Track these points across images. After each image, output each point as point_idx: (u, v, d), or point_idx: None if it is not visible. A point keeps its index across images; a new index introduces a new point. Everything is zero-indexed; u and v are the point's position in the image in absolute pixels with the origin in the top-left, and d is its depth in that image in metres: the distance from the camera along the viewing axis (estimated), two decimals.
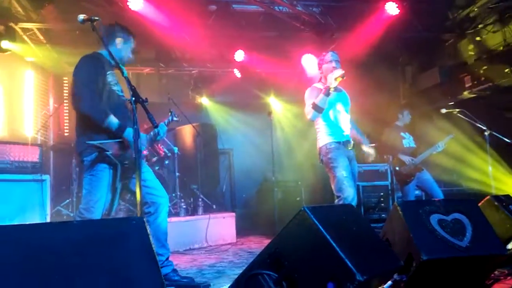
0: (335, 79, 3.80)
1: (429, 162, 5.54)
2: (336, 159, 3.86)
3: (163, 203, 3.20)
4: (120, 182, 2.97)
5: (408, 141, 5.54)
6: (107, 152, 2.87)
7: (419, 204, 3.07)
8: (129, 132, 2.91)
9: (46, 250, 1.54)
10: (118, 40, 3.21)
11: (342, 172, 3.82)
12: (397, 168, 5.45)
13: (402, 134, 5.57)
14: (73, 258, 1.56)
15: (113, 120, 2.92)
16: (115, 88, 3.11)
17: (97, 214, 2.90)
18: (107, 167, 2.93)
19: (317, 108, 3.83)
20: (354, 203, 3.75)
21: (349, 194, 3.77)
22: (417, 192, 5.66)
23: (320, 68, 4.10)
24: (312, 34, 6.76)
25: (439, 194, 5.25)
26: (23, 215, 4.16)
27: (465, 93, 6.59)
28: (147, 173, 3.22)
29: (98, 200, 2.91)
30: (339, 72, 3.81)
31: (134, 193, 3.04)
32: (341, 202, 3.77)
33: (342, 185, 3.79)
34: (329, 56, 4.05)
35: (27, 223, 1.75)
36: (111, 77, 3.10)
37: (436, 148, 5.33)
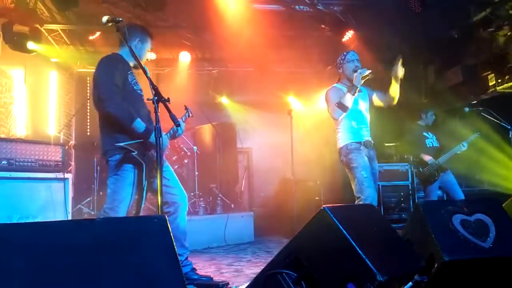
0: (362, 77, 3.80)
1: (452, 162, 5.44)
2: (356, 159, 3.84)
3: (182, 203, 3.23)
4: (145, 181, 3.00)
5: (431, 140, 5.45)
6: (133, 153, 2.90)
7: (442, 204, 3.03)
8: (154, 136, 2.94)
9: (69, 247, 1.56)
10: (137, 41, 3.25)
11: (362, 172, 3.80)
12: (420, 169, 5.37)
13: (425, 133, 5.48)
14: (95, 255, 1.58)
15: (141, 123, 2.96)
16: (136, 87, 3.15)
17: (122, 213, 2.93)
18: (132, 167, 2.96)
19: (342, 107, 3.82)
20: (374, 203, 3.73)
21: (369, 194, 3.75)
22: (438, 192, 5.57)
23: (340, 67, 4.08)
24: (332, 34, 6.72)
25: (460, 197, 5.16)
26: (45, 213, 4.23)
27: (489, 91, 6.46)
28: (168, 172, 3.26)
29: (123, 200, 2.94)
30: (367, 71, 3.81)
31: (156, 192, 3.09)
32: (361, 203, 3.74)
33: (362, 185, 3.77)
34: (350, 55, 4.04)
35: (50, 220, 1.79)
36: (131, 76, 3.14)
37: (460, 148, 5.23)
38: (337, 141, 4.03)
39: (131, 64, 3.21)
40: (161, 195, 2.53)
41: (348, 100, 3.81)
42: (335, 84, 4.09)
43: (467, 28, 6.64)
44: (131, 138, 2.95)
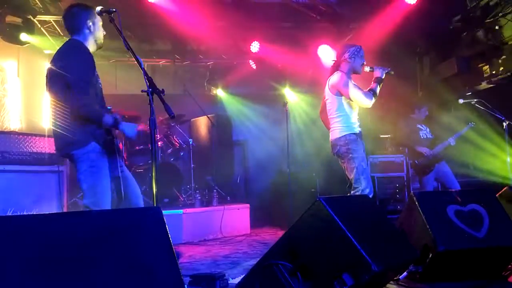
0: (385, 73, 4.00)
1: (446, 153, 5.47)
2: (356, 150, 3.87)
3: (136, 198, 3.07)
4: (118, 169, 2.91)
5: (425, 132, 5.49)
6: (100, 142, 2.82)
7: (436, 195, 3.06)
8: (124, 124, 2.86)
9: (64, 239, 1.56)
10: (89, 23, 3.00)
11: (362, 163, 3.85)
12: (415, 161, 5.40)
13: (418, 125, 5.51)
14: (90, 247, 1.58)
15: (108, 116, 2.81)
16: (99, 80, 3.02)
17: (106, 206, 2.80)
18: (103, 158, 2.84)
19: (376, 97, 3.90)
20: (371, 195, 3.79)
21: (367, 185, 3.80)
22: (434, 183, 5.60)
23: (353, 58, 4.03)
24: (328, 25, 6.69)
25: (456, 187, 5.21)
26: (40, 206, 4.22)
27: (483, 83, 6.48)
28: (125, 169, 3.11)
29: (105, 192, 2.82)
30: (389, 70, 4.03)
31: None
32: (358, 193, 3.77)
33: (362, 175, 3.81)
34: (362, 51, 4.10)
35: (45, 213, 1.79)
36: (96, 70, 2.97)
37: (454, 138, 5.28)
38: (332, 131, 4.03)
39: (91, 49, 2.98)
40: (156, 186, 2.52)
41: (378, 91, 3.90)
42: (345, 73, 4.03)
43: (462, 19, 6.64)
44: (98, 128, 2.82)
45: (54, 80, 2.85)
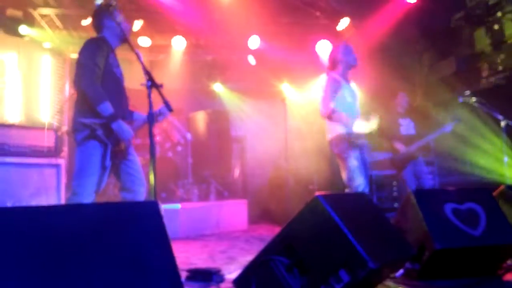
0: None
1: (444, 151, 5.47)
2: (347, 149, 3.87)
3: (139, 192, 3.20)
4: (110, 162, 3.03)
5: (406, 128, 5.41)
6: (98, 132, 2.93)
7: (433, 193, 3.07)
8: (118, 125, 2.96)
9: (62, 231, 1.56)
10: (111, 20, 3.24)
11: (353, 162, 3.85)
12: (392, 156, 5.39)
13: (400, 120, 5.44)
14: (87, 240, 1.58)
15: (108, 107, 2.96)
16: (115, 70, 3.17)
17: (89, 190, 2.97)
18: (98, 145, 2.98)
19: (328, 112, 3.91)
20: (366, 191, 3.79)
21: (360, 183, 3.80)
22: (430, 182, 5.60)
23: (346, 56, 4.06)
24: (327, 21, 6.68)
25: (427, 186, 5.18)
26: (38, 199, 4.23)
27: (482, 82, 6.48)
28: (133, 158, 3.25)
29: (90, 176, 2.97)
30: None
31: (119, 177, 3.18)
32: (354, 191, 3.78)
33: (354, 174, 3.82)
34: (352, 49, 4.09)
35: (42, 205, 1.79)
36: (112, 59, 3.16)
37: (434, 135, 5.22)
38: (327, 130, 4.05)
39: (114, 45, 3.24)
40: (155, 181, 2.53)
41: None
42: (334, 74, 4.06)
43: (462, 18, 6.64)
44: (98, 118, 2.97)
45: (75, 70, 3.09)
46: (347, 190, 3.86)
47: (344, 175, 3.91)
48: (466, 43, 6.78)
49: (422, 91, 7.85)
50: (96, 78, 2.98)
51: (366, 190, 3.84)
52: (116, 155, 3.05)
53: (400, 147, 5.25)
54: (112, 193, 5.50)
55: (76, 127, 3.03)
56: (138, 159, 3.31)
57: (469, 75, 6.68)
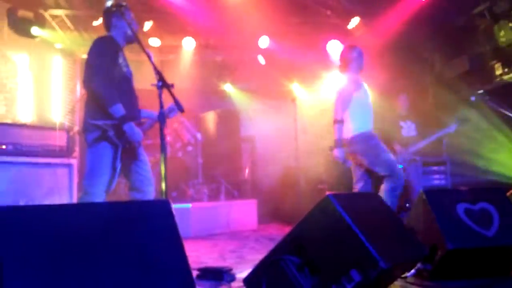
0: None
1: (456, 151, 5.44)
2: (378, 144, 3.99)
3: (148, 192, 3.22)
4: (120, 163, 3.04)
5: (407, 130, 5.48)
6: (109, 133, 2.94)
7: (445, 193, 3.04)
8: (129, 127, 2.97)
9: (73, 230, 1.58)
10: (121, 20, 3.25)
11: (389, 155, 3.96)
12: None
13: (401, 123, 5.51)
14: (99, 238, 1.59)
15: (120, 108, 2.97)
16: (124, 70, 3.18)
17: (100, 190, 2.99)
18: (108, 146, 2.99)
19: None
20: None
21: (402, 173, 3.98)
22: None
23: (356, 59, 4.12)
24: (338, 20, 6.65)
25: (416, 190, 5.25)
26: (50, 198, 4.27)
27: (496, 80, 6.40)
28: (143, 159, 3.26)
29: (101, 176, 2.99)
30: None
31: (129, 177, 3.19)
32: (392, 184, 3.85)
33: (395, 166, 3.93)
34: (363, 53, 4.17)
35: (56, 204, 1.80)
36: (121, 59, 3.17)
37: (436, 136, 5.30)
38: (348, 129, 4.07)
39: (121, 44, 3.25)
40: (165, 180, 2.54)
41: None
42: (352, 74, 4.10)
43: (475, 15, 6.56)
44: (108, 119, 2.97)
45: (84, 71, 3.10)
46: (387, 182, 3.89)
47: (380, 168, 3.93)
48: (478, 41, 6.70)
49: (433, 90, 7.78)
50: (107, 78, 2.98)
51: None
52: (126, 155, 3.06)
53: (398, 148, 5.32)
54: (123, 192, 5.54)
55: (87, 128, 3.04)
56: (147, 160, 3.33)
57: (482, 74, 6.60)
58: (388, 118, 5.64)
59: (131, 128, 2.98)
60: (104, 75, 2.97)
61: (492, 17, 6.42)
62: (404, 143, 5.34)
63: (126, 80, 3.18)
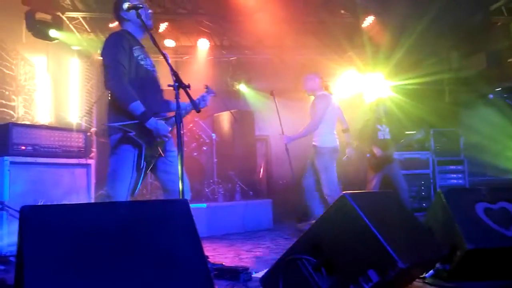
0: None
1: (474, 150, 5.39)
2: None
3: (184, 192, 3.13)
4: (144, 162, 2.93)
5: (383, 133, 5.66)
6: (131, 133, 2.85)
7: (465, 193, 3.00)
8: (152, 123, 2.86)
9: (95, 229, 1.59)
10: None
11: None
12: (368, 155, 5.63)
13: (378, 126, 5.68)
14: (119, 237, 1.61)
15: (139, 106, 2.85)
16: (142, 62, 3.03)
17: (122, 193, 2.89)
18: (131, 147, 2.89)
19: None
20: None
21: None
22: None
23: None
24: (352, 19, 6.62)
25: (403, 189, 5.38)
26: (69, 198, 4.32)
27: None
28: (173, 158, 3.12)
29: (123, 180, 2.89)
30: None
31: (157, 177, 3.13)
32: None
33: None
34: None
35: (80, 203, 1.82)
36: (138, 51, 3.02)
37: (405, 143, 5.69)
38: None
39: (139, 36, 3.11)
40: (182, 180, 2.55)
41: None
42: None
43: (493, 13, 6.46)
44: (130, 119, 2.88)
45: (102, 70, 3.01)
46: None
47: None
48: (496, 38, 6.60)
49: (450, 89, 7.68)
50: (122, 76, 2.87)
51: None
52: (151, 153, 2.96)
53: (376, 151, 5.53)
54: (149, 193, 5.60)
55: (109, 131, 2.96)
56: (176, 154, 3.03)
57: (500, 71, 6.50)
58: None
59: (153, 124, 2.86)
60: (118, 74, 2.86)
61: (509, 14, 6.31)
62: (381, 145, 5.56)
63: (146, 72, 3.03)
